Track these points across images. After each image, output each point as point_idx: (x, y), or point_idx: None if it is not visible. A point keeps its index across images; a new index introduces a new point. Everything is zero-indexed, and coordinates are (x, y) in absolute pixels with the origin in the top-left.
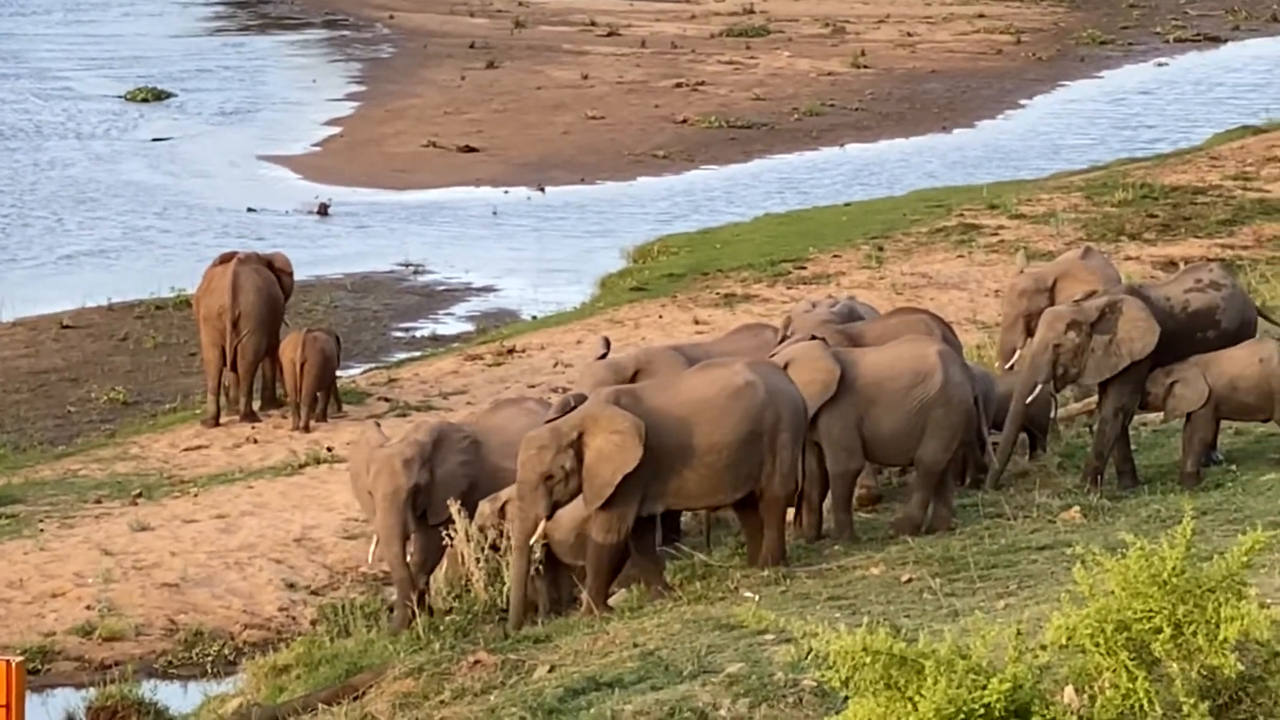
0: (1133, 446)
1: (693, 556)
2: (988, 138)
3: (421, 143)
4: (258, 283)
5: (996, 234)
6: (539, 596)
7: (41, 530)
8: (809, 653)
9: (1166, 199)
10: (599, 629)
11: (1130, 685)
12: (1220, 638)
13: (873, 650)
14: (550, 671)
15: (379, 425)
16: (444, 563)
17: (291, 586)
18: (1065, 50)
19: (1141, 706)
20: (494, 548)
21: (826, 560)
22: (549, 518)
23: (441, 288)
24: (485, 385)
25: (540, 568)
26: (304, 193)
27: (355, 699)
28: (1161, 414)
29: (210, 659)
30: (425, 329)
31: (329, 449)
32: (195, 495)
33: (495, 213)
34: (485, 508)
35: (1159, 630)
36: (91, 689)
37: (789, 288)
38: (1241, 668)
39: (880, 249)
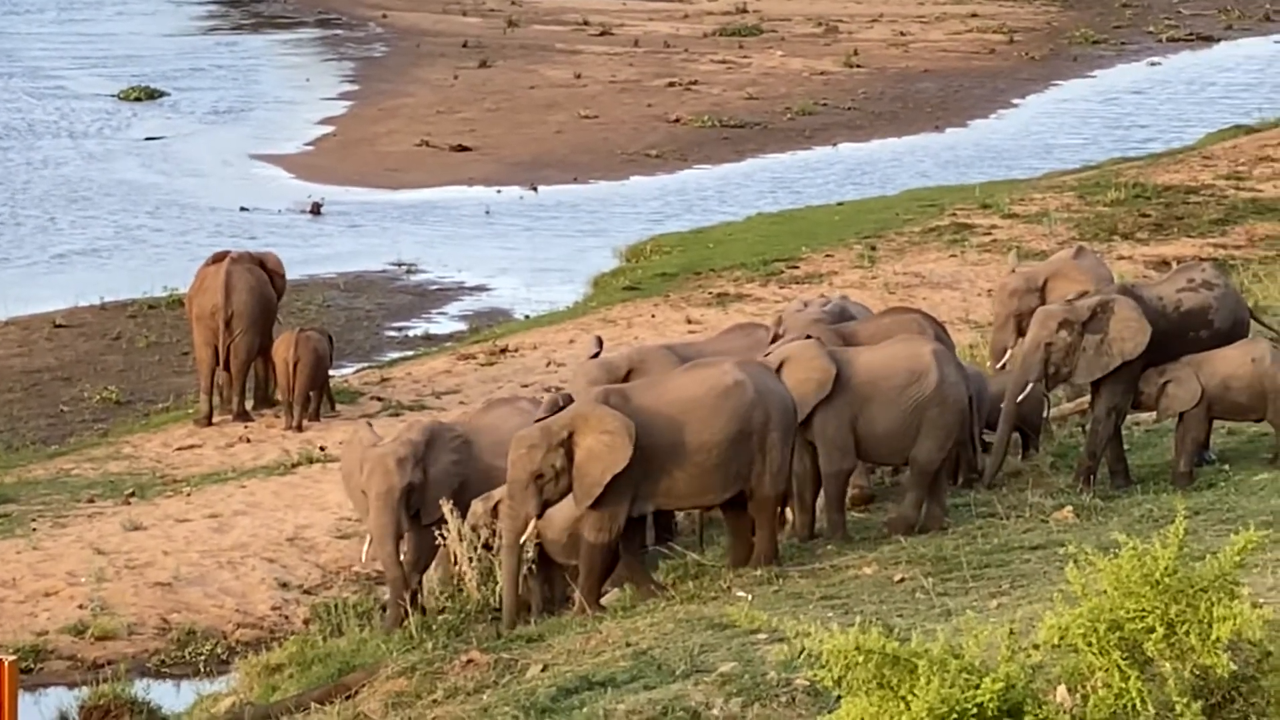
0: (1125, 446)
1: (685, 556)
2: (980, 137)
3: (414, 142)
4: (250, 282)
5: (989, 233)
6: (532, 596)
7: (34, 529)
8: (801, 652)
9: (1159, 198)
10: (592, 628)
11: (1123, 685)
12: (1213, 637)
13: (865, 650)
14: (543, 671)
15: (372, 425)
16: (437, 562)
17: (284, 586)
18: (1058, 50)
19: (1134, 706)
20: (487, 547)
21: (819, 560)
22: (539, 516)
23: (434, 287)
24: (478, 384)
25: (533, 567)
26: (297, 192)
27: (348, 698)
28: (1154, 414)
29: (203, 658)
30: (418, 328)
31: (322, 448)
32: (188, 494)
33: (488, 212)
34: (478, 507)
35: (1152, 630)
36: (84, 688)
37: (781, 287)
38: (1234, 667)
39: (873, 248)
